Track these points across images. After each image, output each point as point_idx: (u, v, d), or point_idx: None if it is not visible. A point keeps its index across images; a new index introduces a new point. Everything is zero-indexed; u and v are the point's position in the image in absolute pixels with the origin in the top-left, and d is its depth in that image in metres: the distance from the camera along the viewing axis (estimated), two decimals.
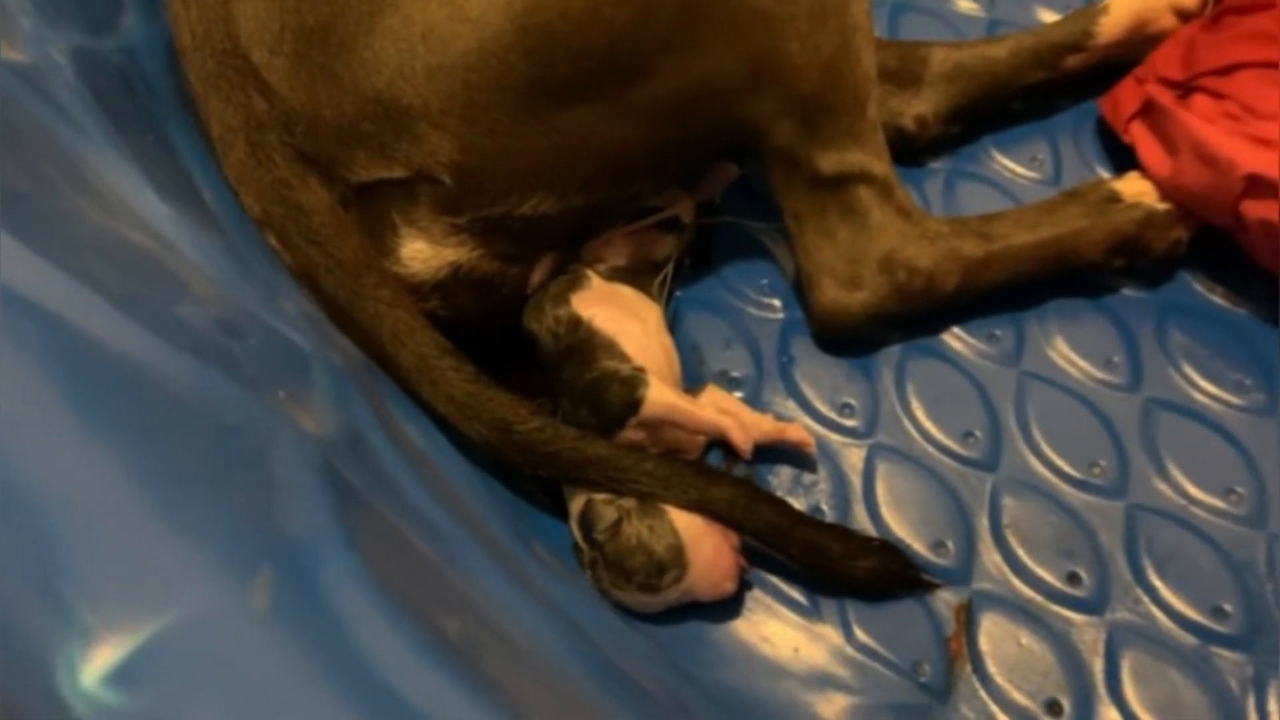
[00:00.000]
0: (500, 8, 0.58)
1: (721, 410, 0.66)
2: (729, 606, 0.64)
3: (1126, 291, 0.75)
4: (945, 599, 0.64)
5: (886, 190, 0.69)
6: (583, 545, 0.62)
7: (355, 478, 0.43)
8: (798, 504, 0.67)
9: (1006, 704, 0.61)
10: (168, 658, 0.30)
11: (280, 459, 0.39)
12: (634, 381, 0.63)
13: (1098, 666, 0.62)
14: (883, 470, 0.69)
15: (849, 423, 0.71)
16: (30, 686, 0.28)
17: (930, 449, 0.70)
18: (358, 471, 0.44)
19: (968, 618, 0.64)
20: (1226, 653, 0.62)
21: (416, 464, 0.52)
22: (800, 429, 0.68)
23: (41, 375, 0.35)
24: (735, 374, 0.74)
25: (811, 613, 0.65)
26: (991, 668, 0.62)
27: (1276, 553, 0.64)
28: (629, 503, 0.61)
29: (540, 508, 0.66)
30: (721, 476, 0.63)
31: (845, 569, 0.63)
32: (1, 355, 0.34)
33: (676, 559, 0.60)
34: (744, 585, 0.64)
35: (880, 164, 0.69)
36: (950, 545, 0.66)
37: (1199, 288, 0.74)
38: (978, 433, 0.70)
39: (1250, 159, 0.67)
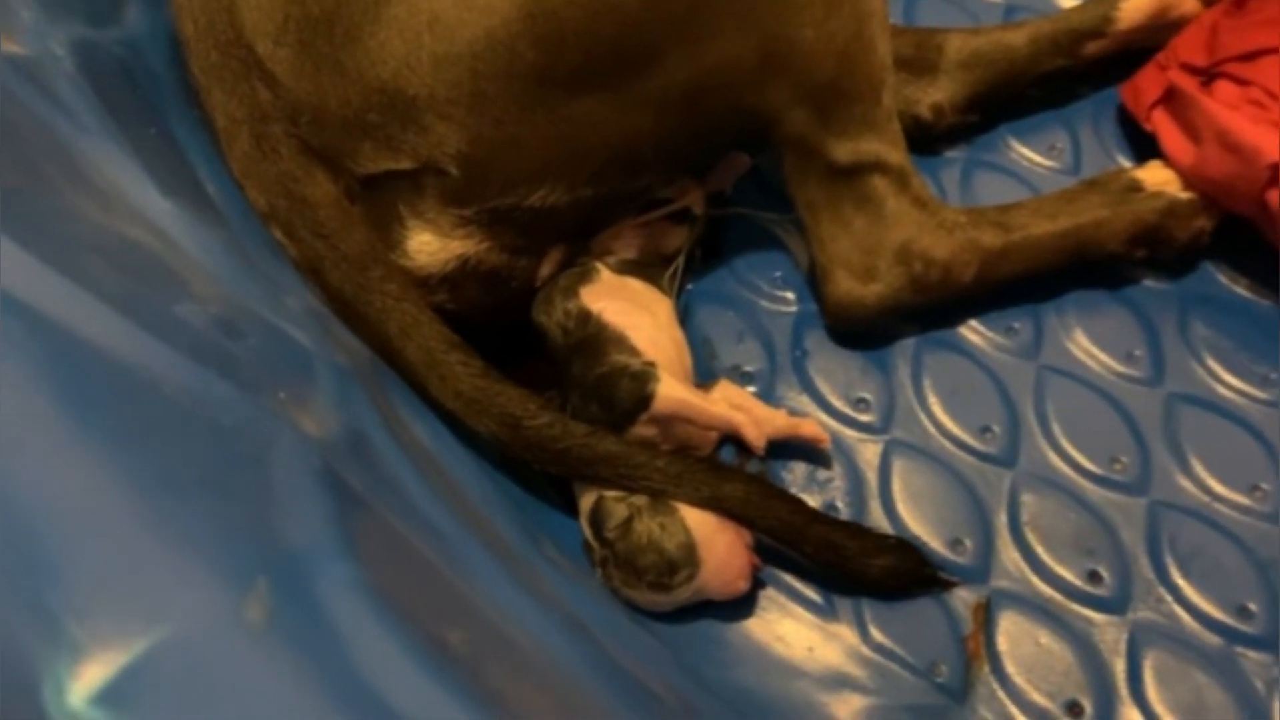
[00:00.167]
0: None
1: (734, 405, 0.65)
2: (742, 605, 0.63)
3: (1148, 283, 0.73)
4: (963, 598, 0.63)
5: (902, 180, 0.68)
6: (593, 543, 0.62)
7: (356, 481, 0.42)
8: (812, 501, 0.66)
9: (1026, 705, 0.60)
10: (159, 675, 0.29)
11: (278, 464, 0.38)
12: (644, 376, 0.62)
13: (1119, 667, 0.61)
14: (899, 466, 0.68)
15: (864, 418, 0.70)
16: (16, 706, 0.28)
17: (947, 444, 0.69)
18: (359, 474, 0.43)
19: (986, 617, 0.63)
20: (1251, 653, 0.61)
21: (421, 464, 0.51)
22: (814, 424, 0.67)
23: (31, 378, 0.34)
24: (748, 368, 0.73)
25: (826, 612, 0.64)
26: (1010, 668, 0.61)
27: None
28: (640, 500, 0.60)
29: (550, 505, 0.65)
30: (734, 473, 0.62)
31: (861, 567, 0.62)
32: None
33: (688, 557, 0.59)
34: (757, 584, 0.63)
35: (896, 153, 0.68)
36: (968, 543, 0.65)
37: (1222, 279, 0.73)
38: (996, 428, 0.69)
39: (1276, 147, 0.65)
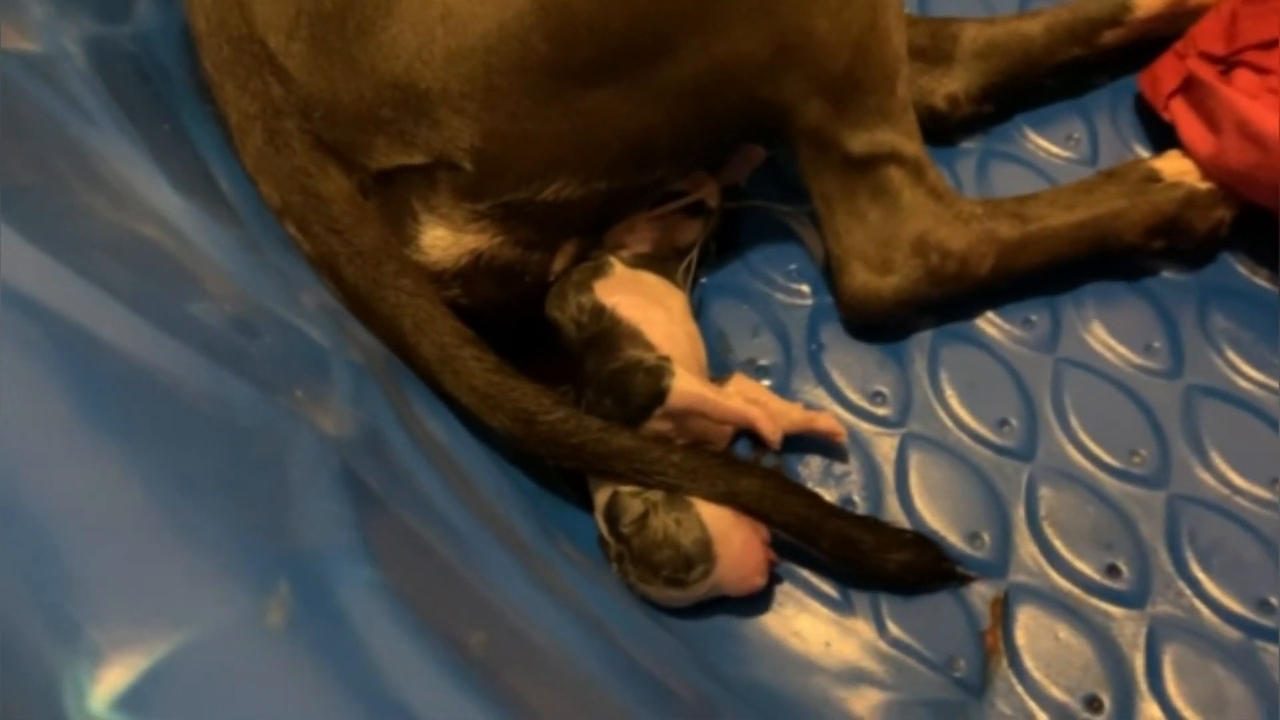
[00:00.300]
0: None
1: (749, 400, 0.65)
2: (758, 601, 0.63)
3: (1166, 274, 0.73)
4: (981, 592, 0.63)
5: (918, 171, 0.68)
6: (609, 539, 0.61)
7: (374, 480, 0.42)
8: (828, 495, 0.66)
9: (1044, 700, 0.60)
10: (179, 679, 0.28)
11: (297, 464, 0.38)
12: (659, 371, 0.62)
13: (1138, 661, 0.60)
14: (916, 460, 0.68)
15: (880, 411, 0.70)
16: (36, 712, 0.28)
17: (964, 438, 0.68)
18: (377, 473, 0.43)
19: (1004, 611, 0.62)
20: (1272, 647, 0.60)
21: (438, 461, 0.51)
22: (830, 418, 0.67)
23: (46, 379, 0.34)
24: (763, 362, 0.72)
25: (843, 607, 0.63)
26: (1029, 663, 0.61)
27: None
28: (656, 495, 0.60)
29: (565, 500, 0.65)
30: (750, 468, 0.62)
31: (878, 562, 0.62)
32: (4, 358, 0.33)
33: (704, 553, 0.59)
34: (774, 579, 0.63)
35: (911, 144, 0.67)
36: (986, 537, 0.65)
37: (1242, 270, 0.72)
38: (1013, 421, 0.68)
39: None
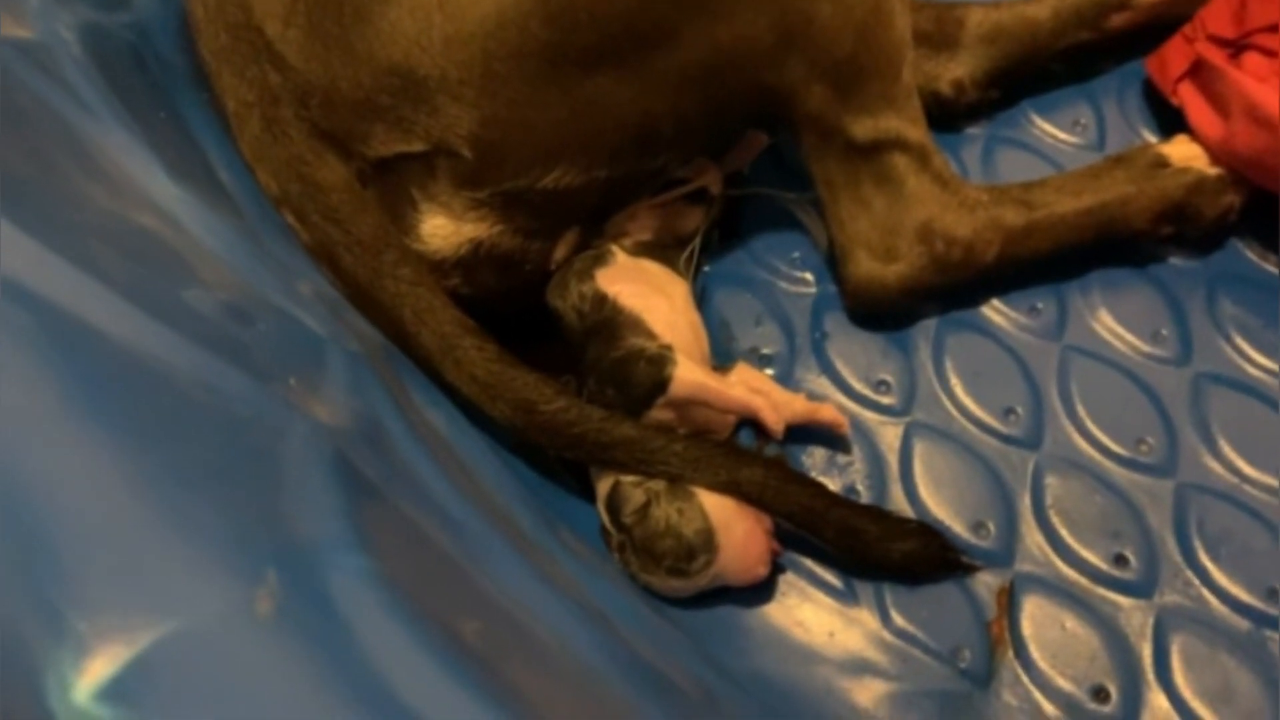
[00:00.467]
0: None
1: (752, 389, 0.65)
2: (761, 591, 0.62)
3: (1174, 261, 0.72)
4: (986, 582, 0.63)
5: (923, 157, 0.67)
6: (610, 529, 0.61)
7: (370, 470, 0.41)
8: (832, 485, 0.65)
9: (1051, 690, 0.59)
10: (165, 670, 0.28)
11: (290, 453, 0.38)
12: (661, 360, 0.61)
13: (1146, 651, 0.60)
14: (920, 449, 0.67)
15: (885, 400, 0.69)
16: (19, 702, 0.27)
17: (970, 427, 0.68)
18: (373, 462, 0.42)
19: (1010, 601, 0.62)
20: None
21: (437, 451, 0.51)
22: (833, 408, 0.67)
23: (38, 367, 0.33)
24: (766, 351, 0.72)
25: (847, 597, 0.63)
26: (1035, 653, 0.60)
27: None
28: (658, 485, 0.60)
29: (567, 490, 0.65)
30: (753, 457, 0.62)
31: (882, 552, 0.62)
32: None
33: (707, 543, 0.59)
34: (777, 569, 0.63)
35: (916, 130, 0.67)
36: (991, 526, 0.64)
37: (1251, 256, 0.72)
38: (1019, 409, 0.68)
39: None
